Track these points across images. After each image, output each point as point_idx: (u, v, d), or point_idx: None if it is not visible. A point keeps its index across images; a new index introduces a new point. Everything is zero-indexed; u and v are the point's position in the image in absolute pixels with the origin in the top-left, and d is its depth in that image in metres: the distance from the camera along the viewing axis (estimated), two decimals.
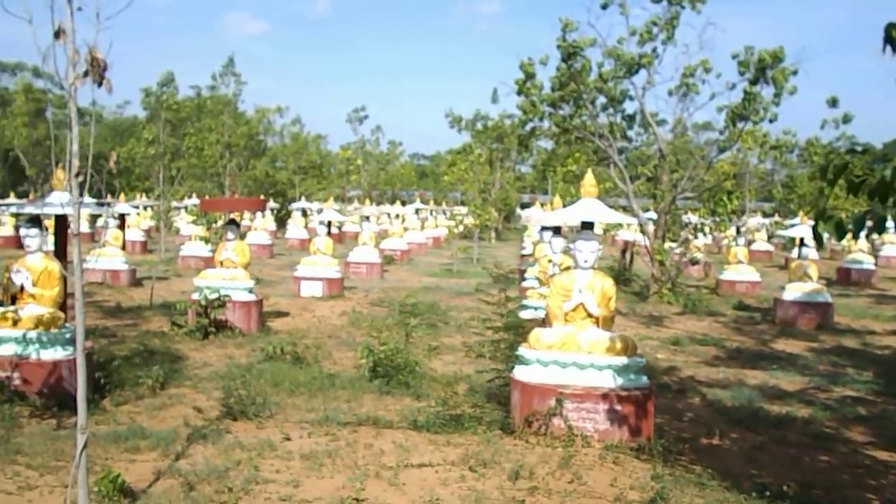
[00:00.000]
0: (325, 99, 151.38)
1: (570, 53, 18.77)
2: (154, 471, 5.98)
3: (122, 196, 23.14)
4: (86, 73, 4.33)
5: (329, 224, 19.50)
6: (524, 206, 58.02)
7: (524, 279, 16.87)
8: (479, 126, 48.19)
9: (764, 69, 17.62)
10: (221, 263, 13.24)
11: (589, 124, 20.26)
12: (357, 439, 6.98)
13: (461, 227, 36.79)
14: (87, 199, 7.93)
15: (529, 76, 19.60)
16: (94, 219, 32.60)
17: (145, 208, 34.28)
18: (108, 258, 19.15)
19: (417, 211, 42.39)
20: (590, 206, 7.58)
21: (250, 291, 13.00)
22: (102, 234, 20.39)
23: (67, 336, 7.80)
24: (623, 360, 7.02)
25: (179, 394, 8.55)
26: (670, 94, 20.22)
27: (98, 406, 7.68)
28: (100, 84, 4.39)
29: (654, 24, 18.89)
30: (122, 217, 21.89)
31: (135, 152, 28.89)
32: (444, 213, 48.92)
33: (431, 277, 24.05)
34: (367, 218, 26.45)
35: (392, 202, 46.01)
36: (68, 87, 4.26)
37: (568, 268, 8.64)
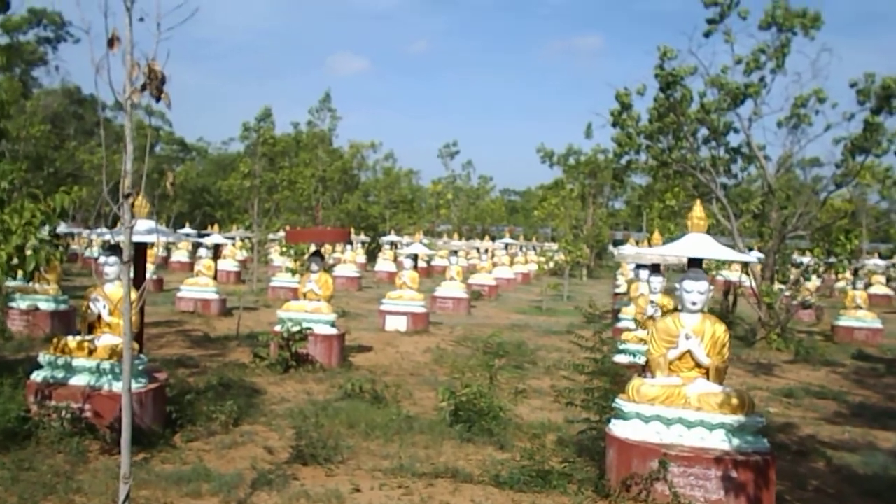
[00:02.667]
0: (417, 134, 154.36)
1: (668, 83, 17.83)
2: None
3: (216, 227, 23.66)
4: (143, 87, 3.98)
5: (416, 258, 19.13)
6: (617, 242, 56.39)
7: (618, 320, 15.88)
8: (571, 161, 47.33)
9: (889, 97, 16.13)
10: (305, 296, 13.00)
11: (689, 157, 19.16)
12: (432, 495, 6.33)
13: (551, 264, 35.85)
14: (155, 225, 7.73)
15: (626, 107, 18.75)
16: (195, 249, 33.72)
17: (242, 240, 35.16)
18: (199, 288, 19.46)
19: (507, 246, 41.68)
20: (699, 242, 6.74)
21: (332, 325, 12.66)
22: (197, 265, 20.77)
23: (140, 368, 7.57)
24: (739, 418, 6.09)
25: (252, 431, 8.17)
26: (780, 125, 18.87)
27: (168, 442, 7.39)
28: (158, 98, 4.04)
29: (763, 51, 17.72)
30: (216, 248, 22.30)
31: (232, 185, 29.70)
32: (534, 249, 48.02)
33: (520, 315, 23.27)
34: (456, 252, 25.96)
35: (481, 237, 45.55)
36: (124, 100, 3.92)
37: (672, 310, 7.77)
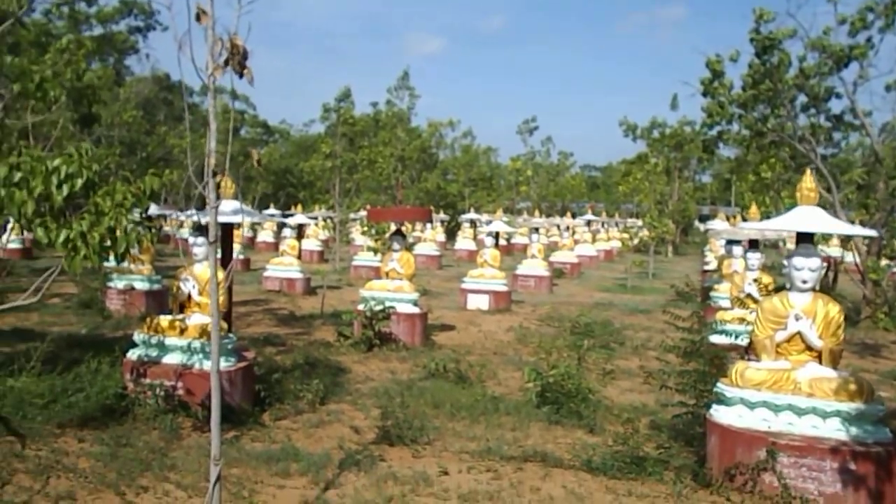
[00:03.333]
0: (495, 111, 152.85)
1: (765, 47, 16.79)
2: (301, 500, 5.50)
3: (299, 207, 24.08)
4: (226, 62, 3.87)
5: (497, 236, 18.86)
6: (704, 218, 54.41)
7: (709, 298, 15.21)
8: (655, 134, 45.75)
9: None
10: (387, 274, 12.98)
11: (787, 126, 18.06)
12: (522, 479, 6.13)
13: (635, 241, 34.86)
14: (242, 206, 7.76)
15: (717, 74, 17.81)
16: (279, 229, 34.50)
17: (325, 219, 35.75)
18: (284, 267, 19.84)
19: (589, 223, 40.80)
20: (810, 215, 6.21)
21: (415, 304, 12.60)
22: (281, 245, 21.17)
23: (229, 347, 7.66)
24: (857, 405, 5.61)
25: (338, 410, 8.17)
26: (888, 89, 17.53)
27: (257, 420, 7.46)
28: (241, 74, 3.92)
29: (870, 9, 16.43)
30: (299, 228, 22.66)
31: (314, 166, 30.14)
32: (617, 225, 46.86)
33: (603, 293, 22.70)
34: (537, 230, 25.53)
35: (562, 214, 44.76)
36: (207, 77, 3.82)
37: (776, 288, 7.26)
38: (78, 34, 30.50)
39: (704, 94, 18.18)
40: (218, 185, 4.13)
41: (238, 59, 3.87)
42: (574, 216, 43.13)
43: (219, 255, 7.92)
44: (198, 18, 3.74)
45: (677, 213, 44.73)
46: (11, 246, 24.47)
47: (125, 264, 14.63)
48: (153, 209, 14.47)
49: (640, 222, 37.45)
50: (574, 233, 37.48)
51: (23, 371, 7.45)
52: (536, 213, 43.73)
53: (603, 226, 45.27)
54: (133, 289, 14.50)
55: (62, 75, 6.43)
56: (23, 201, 5.26)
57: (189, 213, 8.07)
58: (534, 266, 22.54)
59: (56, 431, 6.53)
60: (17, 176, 5.31)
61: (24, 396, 6.88)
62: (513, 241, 37.85)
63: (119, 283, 14.56)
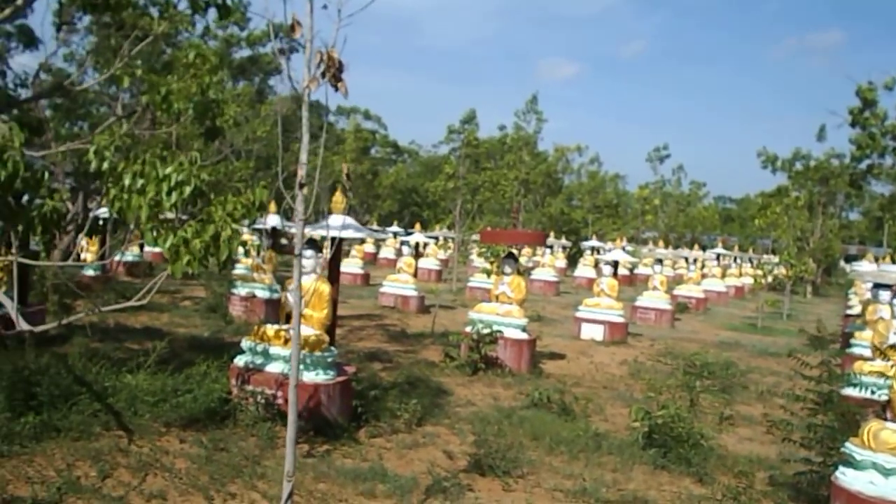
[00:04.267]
0: (625, 138, 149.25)
1: None
2: None
3: (418, 226, 24.38)
4: (323, 75, 3.85)
5: (616, 265, 18.20)
6: (850, 258, 50.35)
7: (850, 346, 13.90)
8: (798, 166, 42.97)
9: None
10: (497, 298, 12.78)
11: None
12: None
13: (770, 278, 32.69)
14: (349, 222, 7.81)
15: (869, 104, 16.47)
16: (400, 247, 35.19)
17: (444, 239, 36.08)
18: (400, 284, 20.09)
19: (719, 257, 38.73)
20: None
21: (523, 329, 12.31)
22: (399, 262, 21.48)
23: (329, 360, 7.72)
24: None
25: (434, 433, 8.04)
26: None
27: (352, 436, 7.45)
28: (336, 87, 3.89)
29: None
30: (417, 246, 22.92)
31: (438, 186, 30.51)
32: (751, 261, 44.22)
33: (730, 331, 21.36)
34: (661, 261, 24.48)
35: (690, 246, 42.82)
36: (302, 89, 3.82)
37: None
38: (229, 56, 32.68)
39: (853, 125, 16.84)
40: (306, 196, 4.11)
41: (334, 72, 3.84)
42: (704, 249, 41.11)
43: (324, 271, 8.04)
44: (291, 29, 3.74)
45: (819, 252, 41.66)
46: (157, 249, 26.33)
47: (249, 272, 15.34)
48: (276, 221, 15.12)
49: (776, 259, 35.12)
50: (702, 266, 35.72)
51: (140, 368, 7.85)
52: (662, 243, 42.11)
53: (735, 261, 42.88)
54: (254, 296, 15.12)
55: (188, 89, 6.81)
56: (139, 207, 5.51)
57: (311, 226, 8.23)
58: (655, 298, 21.60)
59: (161, 430, 6.78)
60: (140, 183, 5.58)
61: (137, 393, 7.21)
62: (636, 271, 36.57)
63: (242, 291, 15.22)
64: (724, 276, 37.55)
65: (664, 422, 7.91)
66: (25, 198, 6.53)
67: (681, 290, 27.35)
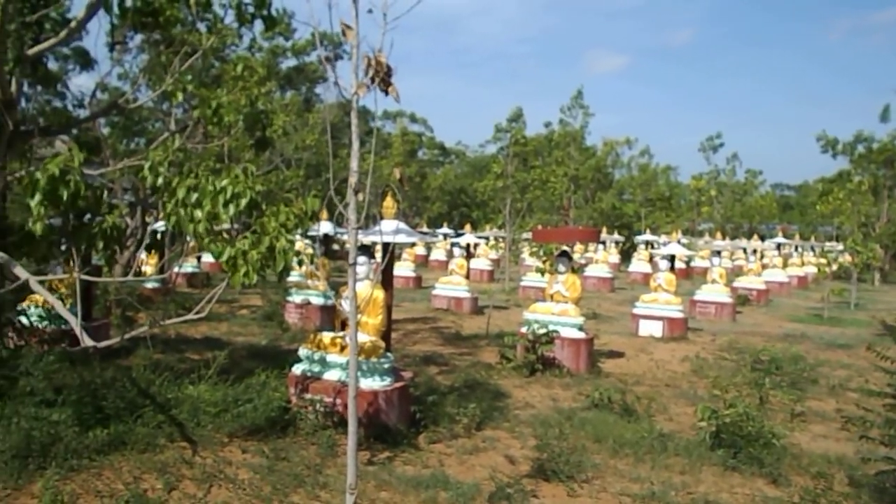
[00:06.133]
0: (676, 129, 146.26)
1: None
2: None
3: (468, 227, 24.29)
4: (371, 80, 3.79)
5: (673, 259, 17.78)
6: None
7: None
8: (860, 149, 41.37)
9: None
10: (552, 297, 12.59)
11: None
12: None
13: (834, 266, 31.57)
14: (402, 226, 7.76)
15: None
16: (452, 248, 35.17)
17: (495, 239, 35.89)
18: (452, 286, 20.03)
19: (779, 246, 37.57)
20: None
21: (580, 328, 12.09)
22: (450, 264, 21.42)
23: (386, 366, 7.69)
24: None
25: (494, 437, 7.93)
26: None
27: (411, 442, 7.39)
28: (386, 91, 3.82)
29: None
30: (468, 247, 22.84)
31: (486, 186, 30.38)
32: (813, 249, 42.80)
33: (795, 323, 20.65)
34: (719, 253, 23.83)
35: (749, 236, 41.68)
36: (351, 95, 3.76)
37: None
38: (275, 67, 33.18)
39: None
40: (360, 202, 4.05)
41: (382, 77, 3.78)
42: (762, 239, 39.93)
43: (376, 276, 8.01)
44: (343, 34, 3.69)
45: (886, 237, 40.05)
46: (213, 260, 26.92)
47: (303, 280, 15.48)
48: (329, 228, 15.23)
49: (840, 246, 33.89)
50: (762, 257, 34.73)
51: (201, 379, 7.95)
52: (719, 235, 41.04)
53: (796, 249, 41.55)
54: (309, 303, 15.25)
55: (237, 102, 6.87)
56: (197, 220, 5.57)
57: (366, 232, 8.23)
58: (714, 292, 21.04)
59: (224, 440, 6.84)
60: (194, 197, 5.63)
61: (199, 404, 7.30)
62: (692, 264, 35.75)
63: (297, 298, 15.38)
64: (785, 265, 36.44)
65: (733, 420, 7.64)
66: (87, 215, 6.68)
67: (741, 282, 26.63)
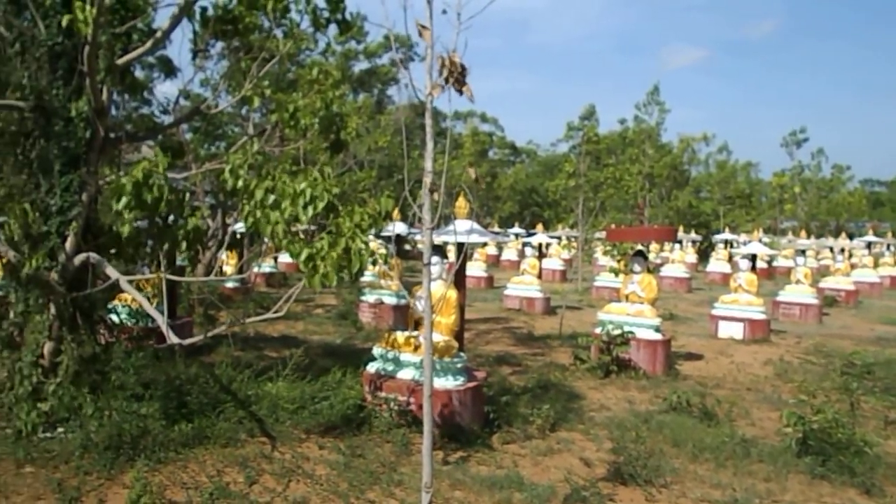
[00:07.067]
0: (757, 124, 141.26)
1: None
2: None
3: (540, 226, 24.10)
4: (445, 80, 3.79)
5: (754, 258, 17.15)
6: None
7: None
8: None
9: None
10: (627, 297, 12.33)
11: None
12: None
13: None
14: (470, 226, 7.74)
15: None
16: (523, 248, 34.99)
17: (567, 239, 35.48)
18: (524, 286, 19.90)
19: (869, 245, 35.72)
20: None
21: (657, 330, 11.80)
22: (522, 263, 21.28)
23: (459, 366, 7.69)
24: None
25: (569, 439, 7.82)
26: None
27: (485, 442, 7.38)
28: (460, 91, 3.81)
29: None
30: (540, 247, 22.66)
31: (558, 185, 30.07)
32: None
33: (888, 326, 19.59)
34: (804, 252, 22.85)
35: (836, 235, 39.84)
36: (425, 96, 3.77)
37: None
38: (348, 70, 33.77)
39: None
40: (436, 204, 4.06)
41: (457, 77, 3.77)
42: (851, 237, 38.08)
43: (447, 277, 8.02)
44: (420, 34, 3.71)
45: None
46: (290, 260, 27.60)
47: (376, 279, 15.69)
48: (402, 229, 15.37)
49: None
50: (850, 256, 33.12)
51: (279, 376, 8.15)
52: (804, 233, 39.40)
53: (888, 248, 39.44)
54: (382, 303, 15.43)
55: (313, 105, 7.01)
56: (276, 222, 5.71)
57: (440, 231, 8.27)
58: (799, 292, 20.18)
59: (301, 436, 6.98)
60: (271, 199, 5.77)
61: (277, 401, 7.48)
62: (774, 264, 34.42)
63: (370, 298, 15.59)
64: (876, 265, 34.62)
65: (821, 427, 7.30)
66: (171, 218, 6.95)
67: (827, 283, 25.46)
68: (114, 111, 8.02)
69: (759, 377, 11.86)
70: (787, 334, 16.72)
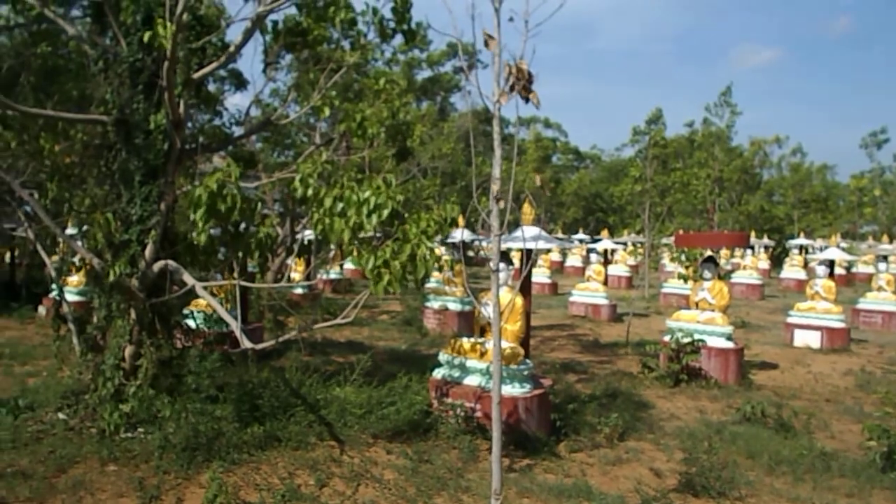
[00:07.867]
0: (832, 125, 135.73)
1: None
2: None
3: (605, 232, 23.79)
4: (512, 87, 3.79)
5: (832, 264, 16.49)
6: None
7: None
8: None
9: None
10: (697, 305, 12.03)
11: None
12: None
13: None
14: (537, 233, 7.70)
15: None
16: (588, 254, 34.55)
17: (634, 244, 34.89)
18: (590, 293, 19.65)
19: None
20: None
21: (728, 338, 11.47)
22: (587, 270, 21.02)
23: (525, 373, 7.64)
24: None
25: (638, 448, 7.67)
26: None
27: (552, 450, 7.31)
28: (526, 99, 3.81)
29: None
30: (606, 253, 22.36)
31: (623, 190, 29.59)
32: None
33: None
34: (885, 258, 21.85)
35: None
36: (493, 104, 3.78)
37: None
38: (411, 78, 34.14)
39: None
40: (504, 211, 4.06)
41: (523, 84, 3.77)
42: None
43: (513, 284, 7.99)
44: (485, 44, 3.72)
45: None
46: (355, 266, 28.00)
47: (441, 286, 15.76)
48: (468, 235, 15.41)
49: None
50: None
51: (347, 381, 8.28)
52: (886, 238, 37.61)
53: None
54: (447, 309, 15.49)
55: (379, 114, 7.11)
56: (342, 230, 5.81)
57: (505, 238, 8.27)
58: (881, 300, 19.31)
59: (369, 441, 7.07)
60: (339, 206, 5.88)
61: (345, 405, 7.59)
62: (854, 270, 33.01)
63: (435, 304, 15.66)
64: None
65: None
66: (243, 226, 7.16)
67: None
68: (189, 124, 8.33)
69: (838, 388, 11.38)
70: (868, 343, 16.01)
